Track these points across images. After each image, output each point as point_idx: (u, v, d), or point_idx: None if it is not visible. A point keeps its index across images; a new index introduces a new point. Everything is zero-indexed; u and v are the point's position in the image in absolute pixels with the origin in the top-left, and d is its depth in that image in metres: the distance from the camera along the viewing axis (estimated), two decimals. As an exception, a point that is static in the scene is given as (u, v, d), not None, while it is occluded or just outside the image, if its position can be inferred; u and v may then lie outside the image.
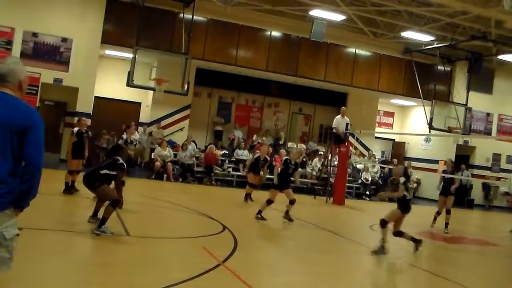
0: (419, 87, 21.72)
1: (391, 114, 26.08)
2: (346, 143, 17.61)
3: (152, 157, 18.22)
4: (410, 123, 25.48)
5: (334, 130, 17.07)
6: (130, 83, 17.24)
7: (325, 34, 19.65)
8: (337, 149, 17.33)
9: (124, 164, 8.42)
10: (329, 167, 18.42)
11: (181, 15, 18.41)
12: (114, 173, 8.20)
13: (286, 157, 11.85)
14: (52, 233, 7.49)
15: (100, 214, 7.89)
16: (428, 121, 21.38)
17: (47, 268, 5.63)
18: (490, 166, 24.04)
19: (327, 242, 10.07)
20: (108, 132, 19.18)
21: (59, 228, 7.86)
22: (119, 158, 8.35)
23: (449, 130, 21.99)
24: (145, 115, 20.85)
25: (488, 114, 24.25)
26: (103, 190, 7.92)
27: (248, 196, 14.20)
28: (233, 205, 13.78)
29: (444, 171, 14.39)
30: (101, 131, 18.83)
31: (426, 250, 10.55)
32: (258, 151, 17.12)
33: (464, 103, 22.15)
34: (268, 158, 15.48)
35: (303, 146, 22.11)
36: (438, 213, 13.43)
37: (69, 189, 11.38)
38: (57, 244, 6.91)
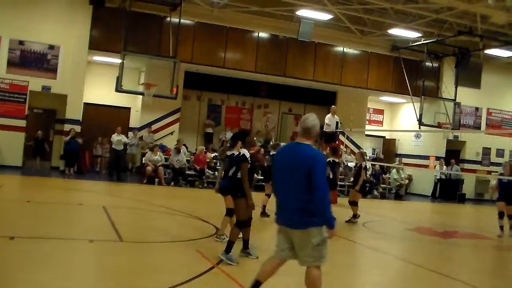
0: (408, 83, 21.79)
1: (380, 112, 26.17)
2: (337, 142, 17.62)
3: (143, 162, 18.15)
4: (400, 120, 25.57)
5: (324, 128, 17.07)
6: (119, 88, 17.21)
7: (312, 33, 19.74)
8: (328, 147, 17.33)
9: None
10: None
11: (168, 19, 18.40)
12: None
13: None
14: (46, 241, 7.44)
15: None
16: (418, 117, 21.47)
17: (42, 276, 5.59)
18: (480, 160, 24.20)
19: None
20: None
21: (54, 236, 7.81)
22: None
23: (439, 125, 22.08)
24: (135, 120, 20.78)
25: (477, 109, 24.41)
26: (237, 204, 7.27)
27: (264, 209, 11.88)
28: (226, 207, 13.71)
29: (501, 175, 13.12)
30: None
31: (421, 245, 10.62)
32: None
33: (453, 98, 22.26)
34: None
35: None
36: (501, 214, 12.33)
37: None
38: (51, 251, 6.86)
